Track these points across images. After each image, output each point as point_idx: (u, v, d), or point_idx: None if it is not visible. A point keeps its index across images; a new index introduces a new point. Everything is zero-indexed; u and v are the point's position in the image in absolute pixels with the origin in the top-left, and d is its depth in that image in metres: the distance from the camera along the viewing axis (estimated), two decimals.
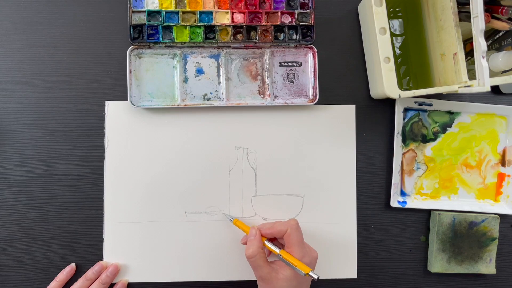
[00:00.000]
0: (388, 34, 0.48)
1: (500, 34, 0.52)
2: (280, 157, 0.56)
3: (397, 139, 0.56)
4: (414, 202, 0.57)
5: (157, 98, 0.54)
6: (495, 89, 0.59)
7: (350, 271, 0.57)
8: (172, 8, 0.53)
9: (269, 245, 0.49)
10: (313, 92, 0.56)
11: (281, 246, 0.51)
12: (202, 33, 0.54)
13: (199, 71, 0.55)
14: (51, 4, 0.55)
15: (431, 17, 0.54)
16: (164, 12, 0.53)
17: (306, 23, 0.55)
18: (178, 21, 0.54)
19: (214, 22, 0.54)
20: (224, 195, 0.56)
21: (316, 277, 0.45)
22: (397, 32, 0.56)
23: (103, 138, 0.55)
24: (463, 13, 0.49)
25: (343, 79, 0.57)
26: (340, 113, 0.57)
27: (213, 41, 0.54)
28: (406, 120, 0.57)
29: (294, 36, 0.55)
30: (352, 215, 0.57)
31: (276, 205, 0.56)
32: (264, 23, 0.55)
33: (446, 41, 0.50)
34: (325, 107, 0.57)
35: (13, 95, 0.54)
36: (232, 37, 0.54)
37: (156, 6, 0.53)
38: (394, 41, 0.56)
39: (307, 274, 0.45)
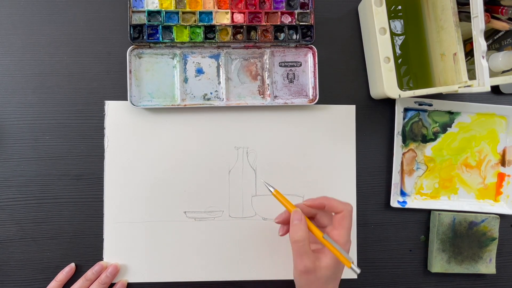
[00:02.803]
0: (388, 34, 0.48)
1: (500, 34, 0.52)
2: (280, 157, 0.56)
3: (397, 139, 0.56)
4: (414, 202, 0.57)
5: (157, 98, 0.54)
6: (495, 89, 0.59)
7: (350, 271, 0.57)
8: (172, 8, 0.53)
9: (314, 228, 0.46)
10: (313, 92, 0.55)
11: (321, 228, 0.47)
12: (202, 33, 0.54)
13: (199, 71, 0.55)
14: (51, 4, 0.55)
15: (431, 17, 0.54)
16: (164, 12, 0.53)
17: (306, 23, 0.55)
18: (178, 21, 0.53)
19: (214, 22, 0.54)
20: (224, 195, 0.56)
21: (358, 271, 0.45)
22: (398, 32, 0.56)
23: (103, 138, 0.55)
24: (463, 13, 0.49)
25: (343, 79, 0.57)
26: (340, 113, 0.57)
27: (213, 41, 0.54)
28: (406, 120, 0.57)
29: (294, 36, 0.55)
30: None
31: (276, 205, 0.56)
32: (264, 23, 0.54)
33: (446, 41, 0.50)
34: (325, 107, 0.57)
35: (13, 95, 0.54)
36: (232, 37, 0.54)
37: (156, 6, 0.53)
38: (394, 41, 0.56)
39: (350, 266, 0.44)
